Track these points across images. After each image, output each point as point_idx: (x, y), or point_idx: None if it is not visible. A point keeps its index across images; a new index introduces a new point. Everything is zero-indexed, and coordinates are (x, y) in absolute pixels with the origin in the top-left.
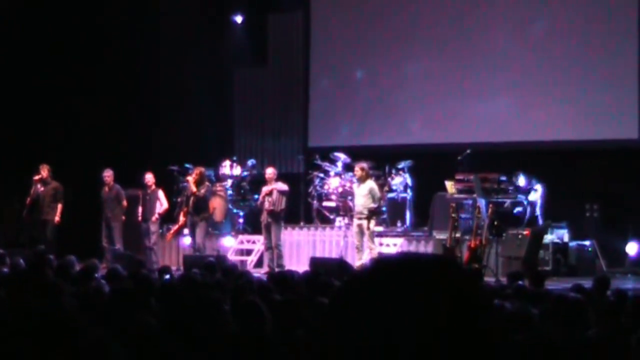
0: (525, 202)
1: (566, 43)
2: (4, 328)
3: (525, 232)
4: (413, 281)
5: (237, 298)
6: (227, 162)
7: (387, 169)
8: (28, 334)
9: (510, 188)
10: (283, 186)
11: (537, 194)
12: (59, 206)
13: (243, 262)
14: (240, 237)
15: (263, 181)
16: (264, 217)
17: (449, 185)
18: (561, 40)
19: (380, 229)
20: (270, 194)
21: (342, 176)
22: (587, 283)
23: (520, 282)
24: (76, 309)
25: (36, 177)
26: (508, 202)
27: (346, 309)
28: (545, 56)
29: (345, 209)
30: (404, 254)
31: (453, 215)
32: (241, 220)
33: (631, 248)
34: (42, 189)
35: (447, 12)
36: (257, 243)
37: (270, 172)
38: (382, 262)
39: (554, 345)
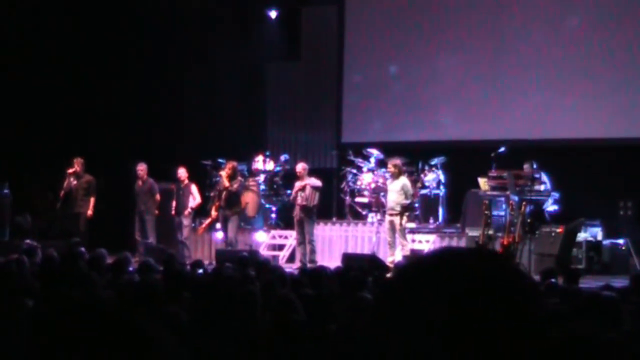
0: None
1: (600, 39)
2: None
3: (558, 230)
4: (461, 274)
5: (269, 292)
6: (260, 157)
7: (420, 165)
8: (65, 326)
9: (545, 185)
10: (316, 182)
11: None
12: (92, 199)
13: (275, 257)
14: (273, 232)
15: (295, 176)
16: (297, 213)
17: (482, 182)
18: (595, 36)
19: (412, 225)
20: (303, 189)
21: (375, 172)
22: (621, 281)
23: (552, 280)
24: (113, 300)
25: (70, 171)
26: (547, 200)
27: (393, 303)
28: (579, 52)
29: (377, 205)
30: (447, 248)
31: (486, 212)
32: (273, 215)
33: None
34: (75, 182)
35: (481, 7)
36: (290, 238)
37: (300, 167)
38: (428, 257)
39: (586, 343)
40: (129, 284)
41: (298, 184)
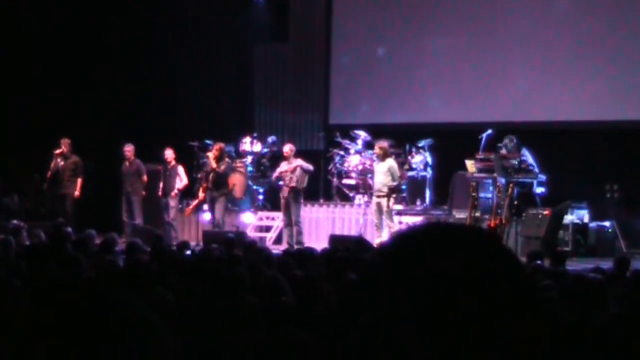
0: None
1: (589, 21)
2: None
3: (545, 213)
4: (454, 248)
5: (256, 274)
6: (248, 139)
7: (407, 147)
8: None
9: (532, 167)
10: (309, 166)
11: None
12: (79, 181)
13: (262, 239)
14: (260, 213)
15: (283, 157)
16: (284, 195)
17: (470, 165)
18: (584, 18)
19: (399, 207)
20: (294, 171)
21: (363, 154)
22: (607, 264)
23: (539, 262)
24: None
25: (57, 152)
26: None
27: (381, 284)
28: (567, 35)
29: (365, 187)
30: (433, 225)
31: (473, 194)
32: (261, 197)
33: None
34: (63, 163)
35: None
36: (277, 220)
37: (288, 149)
38: (415, 231)
39: (572, 325)
40: (114, 265)
41: (285, 165)
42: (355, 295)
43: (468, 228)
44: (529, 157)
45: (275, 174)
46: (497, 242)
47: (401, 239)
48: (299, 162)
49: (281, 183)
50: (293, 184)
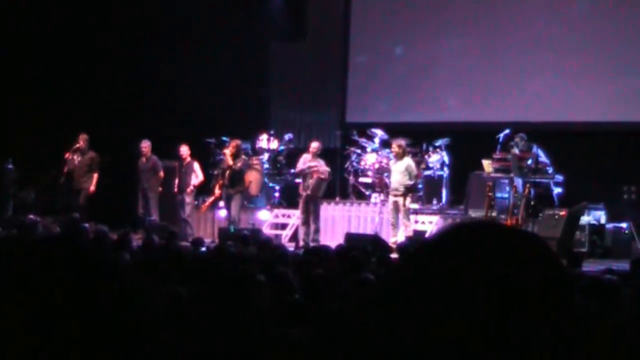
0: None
1: (606, 21)
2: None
3: (562, 213)
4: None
5: (270, 271)
6: (264, 136)
7: (424, 146)
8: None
9: (547, 167)
10: (325, 172)
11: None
12: (95, 176)
13: (278, 236)
14: (276, 211)
15: (299, 155)
16: (304, 190)
17: (486, 164)
18: (601, 18)
19: (415, 206)
20: (311, 176)
21: (379, 152)
22: (623, 265)
23: None
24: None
25: (74, 147)
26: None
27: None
28: (585, 34)
29: (381, 186)
30: (465, 224)
31: (489, 194)
32: (277, 194)
33: None
34: (79, 158)
35: None
36: (292, 217)
37: (315, 146)
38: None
39: (587, 325)
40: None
41: (307, 160)
42: (398, 286)
43: (513, 227)
44: (542, 156)
45: (299, 168)
46: (534, 236)
47: (453, 231)
48: (318, 162)
49: (298, 180)
50: (309, 192)
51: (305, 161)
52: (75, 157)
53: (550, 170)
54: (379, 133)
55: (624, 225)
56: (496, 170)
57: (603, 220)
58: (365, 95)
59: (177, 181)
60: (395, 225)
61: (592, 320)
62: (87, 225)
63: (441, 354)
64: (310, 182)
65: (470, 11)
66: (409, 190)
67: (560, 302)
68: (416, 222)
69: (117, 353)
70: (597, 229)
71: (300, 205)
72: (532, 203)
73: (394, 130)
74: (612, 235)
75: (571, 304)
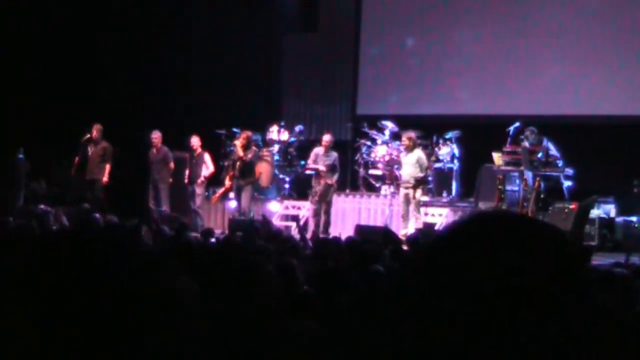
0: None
1: (619, 15)
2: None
3: (572, 206)
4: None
5: (280, 263)
6: (275, 127)
7: (434, 138)
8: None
9: (558, 160)
10: (333, 179)
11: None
12: (107, 166)
13: (288, 228)
14: (286, 202)
15: (310, 147)
16: (321, 182)
17: (496, 157)
18: (614, 11)
19: (426, 198)
20: (319, 181)
21: (390, 145)
22: (634, 259)
23: None
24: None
25: (86, 137)
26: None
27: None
28: (598, 28)
29: (391, 178)
30: (482, 214)
31: (499, 187)
32: (287, 186)
33: None
34: (92, 148)
35: None
36: (303, 209)
37: (327, 138)
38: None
39: (597, 320)
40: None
41: (321, 154)
42: (409, 283)
43: (525, 217)
44: (552, 149)
45: (309, 166)
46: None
47: (464, 224)
48: (332, 157)
49: (308, 172)
50: (316, 198)
51: (315, 157)
52: (88, 147)
53: (560, 163)
54: (390, 125)
55: (634, 218)
56: (506, 163)
57: (613, 214)
58: (376, 87)
59: (187, 172)
60: (405, 218)
61: (603, 314)
62: (97, 215)
63: (450, 348)
64: (318, 188)
65: (482, 3)
66: (420, 183)
67: (570, 295)
68: (426, 214)
69: (117, 353)
70: (607, 223)
71: (315, 195)
72: (542, 196)
73: (404, 122)
74: (622, 228)
75: (582, 295)
